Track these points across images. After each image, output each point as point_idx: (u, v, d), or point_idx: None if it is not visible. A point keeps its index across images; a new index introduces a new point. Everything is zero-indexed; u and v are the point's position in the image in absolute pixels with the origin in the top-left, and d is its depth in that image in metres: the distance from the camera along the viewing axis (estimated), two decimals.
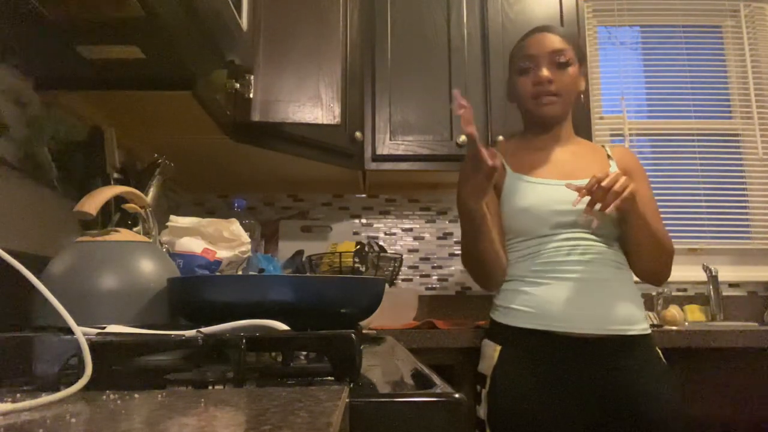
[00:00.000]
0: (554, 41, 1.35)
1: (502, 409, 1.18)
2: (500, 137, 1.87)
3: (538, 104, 1.33)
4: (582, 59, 1.39)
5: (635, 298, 1.25)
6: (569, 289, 1.20)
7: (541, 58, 1.34)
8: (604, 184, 1.13)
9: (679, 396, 1.19)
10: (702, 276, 2.15)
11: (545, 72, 1.32)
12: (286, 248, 2.07)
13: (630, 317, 1.21)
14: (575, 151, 1.38)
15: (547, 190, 1.28)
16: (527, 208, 1.27)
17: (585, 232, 1.25)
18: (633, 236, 1.24)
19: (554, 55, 1.33)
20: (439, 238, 2.28)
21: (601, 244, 1.25)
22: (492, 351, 1.25)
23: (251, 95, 1.35)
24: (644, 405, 1.15)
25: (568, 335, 1.18)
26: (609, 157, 1.40)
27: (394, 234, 2.29)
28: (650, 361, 1.21)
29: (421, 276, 2.25)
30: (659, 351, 1.25)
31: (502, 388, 1.20)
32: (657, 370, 1.20)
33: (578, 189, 1.15)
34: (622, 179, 1.14)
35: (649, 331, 1.24)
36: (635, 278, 1.29)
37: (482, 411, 1.22)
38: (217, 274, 1.02)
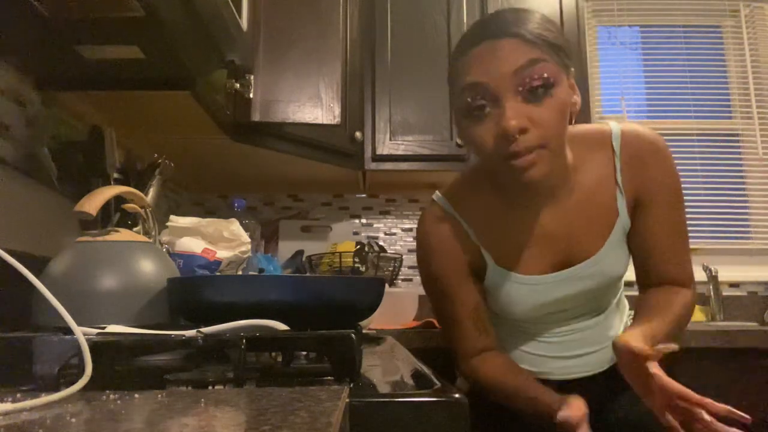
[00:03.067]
0: (515, 53, 0.81)
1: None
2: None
3: (512, 168, 0.83)
4: (567, 59, 0.86)
5: (621, 325, 1.10)
6: (558, 350, 1.05)
7: (500, 89, 0.81)
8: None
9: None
10: (702, 276, 2.15)
11: (511, 121, 0.79)
12: (286, 248, 2.07)
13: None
14: (571, 202, 0.95)
15: (541, 290, 0.98)
16: (517, 312, 1.01)
17: (579, 313, 1.04)
18: None
19: (522, 79, 0.81)
20: None
21: (594, 311, 1.05)
22: (464, 385, 1.09)
23: (251, 95, 1.35)
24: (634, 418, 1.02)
25: (550, 380, 1.04)
26: (618, 185, 0.96)
27: (394, 234, 2.29)
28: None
29: None
30: None
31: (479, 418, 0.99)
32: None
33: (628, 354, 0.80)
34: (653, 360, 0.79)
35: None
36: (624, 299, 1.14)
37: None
38: (217, 274, 1.02)
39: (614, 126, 0.98)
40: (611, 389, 1.05)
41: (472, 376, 1.01)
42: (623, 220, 0.98)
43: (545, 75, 0.81)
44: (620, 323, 1.10)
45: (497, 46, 0.82)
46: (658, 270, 0.98)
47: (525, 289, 0.98)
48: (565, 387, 1.00)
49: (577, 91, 0.89)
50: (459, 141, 1.89)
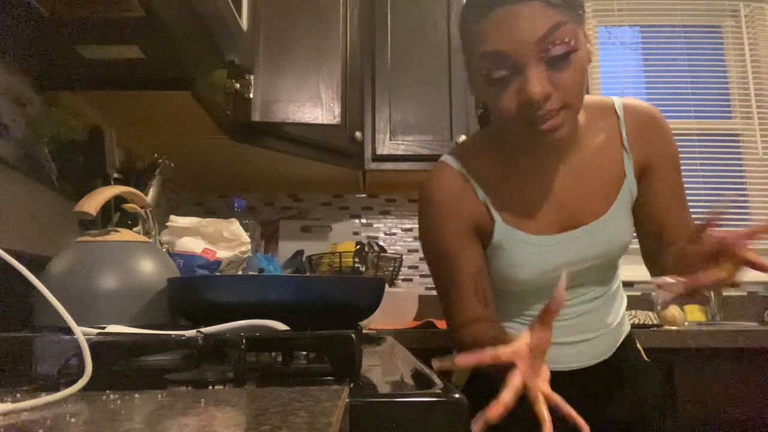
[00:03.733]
0: (537, 18, 0.78)
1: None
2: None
3: (536, 131, 0.83)
4: (581, 10, 0.85)
5: (618, 315, 1.09)
6: (557, 335, 0.96)
7: (524, 58, 0.79)
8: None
9: (660, 391, 1.09)
10: None
11: (536, 87, 0.78)
12: (286, 248, 2.07)
13: (613, 341, 1.07)
14: (579, 162, 0.97)
15: (546, 252, 0.97)
16: (521, 277, 0.98)
17: (584, 284, 1.02)
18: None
19: (546, 46, 0.78)
20: None
21: (595, 288, 1.03)
22: (463, 373, 1.09)
23: (251, 95, 1.36)
24: (634, 418, 1.04)
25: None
26: (624, 147, 0.98)
27: (394, 234, 2.29)
28: (636, 370, 1.09)
29: (421, 276, 2.25)
30: (640, 348, 1.15)
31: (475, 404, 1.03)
32: (642, 379, 1.09)
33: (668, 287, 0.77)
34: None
35: (629, 330, 1.12)
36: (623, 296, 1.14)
37: None
38: (217, 274, 1.02)
39: (615, 98, 1.01)
40: (606, 387, 1.04)
41: (462, 343, 0.98)
42: (630, 182, 0.98)
43: (567, 40, 0.79)
44: (618, 312, 1.08)
45: (517, 11, 0.78)
46: (673, 232, 0.98)
47: (531, 249, 0.96)
48: (558, 380, 0.94)
49: (589, 40, 0.88)
50: (459, 141, 1.88)
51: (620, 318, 1.09)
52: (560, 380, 0.93)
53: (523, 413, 0.99)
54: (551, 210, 0.96)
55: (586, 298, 1.03)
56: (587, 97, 0.98)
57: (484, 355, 0.74)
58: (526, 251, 0.96)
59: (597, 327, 1.04)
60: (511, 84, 0.81)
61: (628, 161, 0.98)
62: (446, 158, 1.01)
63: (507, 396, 0.71)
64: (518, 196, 0.97)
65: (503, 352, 0.74)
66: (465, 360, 0.74)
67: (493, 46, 0.80)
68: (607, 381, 1.04)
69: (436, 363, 0.71)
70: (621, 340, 1.08)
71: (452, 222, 0.96)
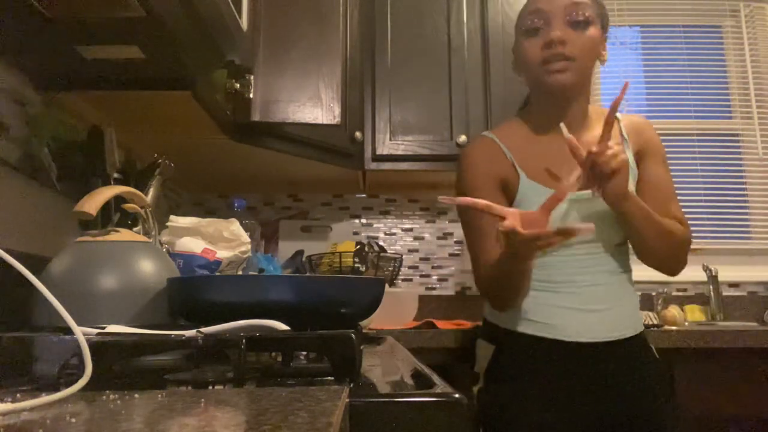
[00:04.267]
0: None
1: (495, 408, 1.17)
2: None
3: (547, 71, 1.12)
4: (605, 23, 1.18)
5: (631, 302, 1.20)
6: (569, 301, 1.15)
7: (554, 15, 1.12)
8: (597, 160, 0.99)
9: (675, 398, 1.17)
10: (702, 276, 2.15)
11: (557, 32, 1.10)
12: (286, 248, 2.07)
13: (624, 322, 1.17)
14: (589, 140, 1.15)
15: (565, 207, 1.14)
16: None
17: (590, 246, 1.16)
18: (635, 232, 1.13)
19: (571, 11, 1.12)
20: (439, 238, 2.28)
21: (599, 251, 1.17)
22: (486, 351, 1.22)
23: (251, 95, 1.35)
24: (640, 410, 1.13)
25: (562, 341, 1.14)
26: (623, 136, 1.22)
27: (394, 234, 2.29)
28: (645, 362, 1.18)
29: (421, 276, 2.25)
30: (654, 349, 1.23)
31: (495, 387, 1.18)
32: (652, 371, 1.17)
33: (574, 151, 1.00)
34: (615, 163, 0.99)
35: (641, 329, 1.20)
36: (634, 279, 1.25)
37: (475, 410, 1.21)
38: (217, 274, 1.02)
39: (621, 122, 1.26)
40: (615, 370, 1.13)
41: (484, 288, 1.16)
42: (631, 163, 1.19)
43: (587, 14, 1.13)
44: (630, 301, 1.19)
45: None
46: (665, 207, 1.17)
47: None
48: (567, 351, 1.12)
49: (606, 48, 1.20)
50: (459, 141, 1.89)
51: (632, 308, 1.19)
52: (570, 351, 1.12)
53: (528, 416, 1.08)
54: (570, 171, 1.07)
55: (601, 269, 1.16)
56: (592, 106, 1.25)
57: (479, 203, 0.94)
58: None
59: (608, 300, 1.15)
60: (541, 33, 1.13)
61: (627, 148, 1.21)
62: (484, 132, 1.28)
63: (505, 223, 0.90)
64: (541, 158, 1.16)
65: (497, 206, 0.94)
66: (463, 201, 0.94)
67: (535, 6, 1.15)
68: (617, 365, 1.14)
69: (444, 198, 0.93)
70: (634, 328, 1.17)
71: (482, 174, 1.19)
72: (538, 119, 1.21)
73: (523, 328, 1.17)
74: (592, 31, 1.13)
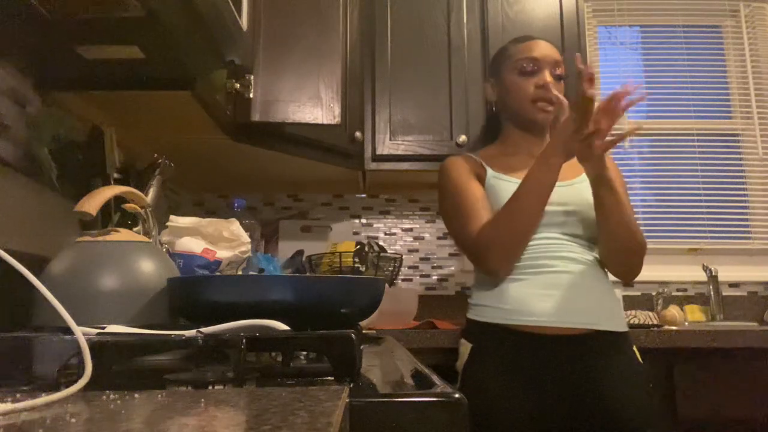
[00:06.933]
0: (555, 53, 1.38)
1: (471, 406, 1.17)
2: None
3: (536, 109, 1.34)
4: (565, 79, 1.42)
5: (609, 295, 1.25)
6: (541, 285, 1.21)
7: (545, 64, 1.35)
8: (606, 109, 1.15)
9: (650, 399, 1.18)
10: (702, 276, 2.15)
11: (549, 77, 1.33)
12: (286, 248, 2.07)
13: (601, 313, 1.21)
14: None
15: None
16: None
17: (562, 233, 1.26)
18: (604, 213, 1.21)
19: (554, 67, 1.36)
20: (439, 238, 2.28)
21: (576, 244, 1.26)
22: (464, 349, 1.28)
23: (251, 95, 1.35)
24: (614, 407, 1.15)
25: (538, 332, 1.18)
26: None
27: (394, 234, 2.29)
28: (622, 360, 1.20)
29: (421, 276, 2.25)
30: (636, 350, 1.25)
31: (470, 385, 1.22)
32: (628, 370, 1.19)
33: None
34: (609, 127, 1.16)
35: (624, 329, 1.24)
36: (612, 278, 1.30)
37: None
38: (217, 274, 1.02)
39: None
40: (589, 365, 1.17)
41: (484, 240, 1.24)
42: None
43: (562, 72, 1.38)
44: (607, 290, 1.26)
45: (546, 44, 1.40)
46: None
47: (513, 188, 1.23)
48: (541, 343, 1.18)
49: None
50: (459, 141, 1.89)
51: (608, 303, 1.24)
52: (545, 343, 1.18)
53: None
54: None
55: (571, 256, 1.24)
56: None
57: (564, 101, 1.24)
58: (511, 189, 1.24)
59: (576, 287, 1.21)
60: (533, 77, 1.36)
61: None
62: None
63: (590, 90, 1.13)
64: (511, 161, 1.37)
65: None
66: (562, 101, 1.24)
67: (531, 54, 1.37)
68: (590, 360, 1.18)
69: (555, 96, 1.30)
70: (610, 324, 1.21)
71: (461, 170, 1.38)
72: (507, 148, 1.42)
73: (496, 316, 1.23)
74: (562, 84, 1.39)
